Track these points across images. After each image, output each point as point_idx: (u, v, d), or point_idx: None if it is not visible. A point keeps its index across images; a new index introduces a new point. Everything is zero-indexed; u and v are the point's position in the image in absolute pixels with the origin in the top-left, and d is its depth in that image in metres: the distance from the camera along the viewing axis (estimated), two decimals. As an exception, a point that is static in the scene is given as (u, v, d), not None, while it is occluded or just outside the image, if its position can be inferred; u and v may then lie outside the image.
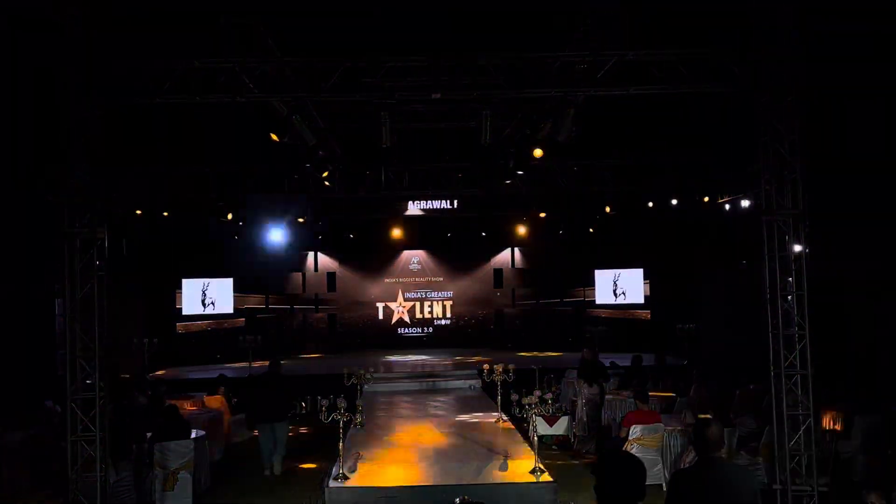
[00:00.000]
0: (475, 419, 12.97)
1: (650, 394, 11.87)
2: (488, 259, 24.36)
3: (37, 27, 9.92)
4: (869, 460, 9.59)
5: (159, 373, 18.68)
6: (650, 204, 18.20)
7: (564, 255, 23.52)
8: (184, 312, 20.74)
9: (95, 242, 8.66)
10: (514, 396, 10.06)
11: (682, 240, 19.79)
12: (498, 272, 24.47)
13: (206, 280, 21.10)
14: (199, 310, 21.05)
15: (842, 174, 12.88)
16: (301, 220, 18.61)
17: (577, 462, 11.56)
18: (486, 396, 15.29)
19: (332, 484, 8.80)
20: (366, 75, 9.44)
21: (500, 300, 24.17)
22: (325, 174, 13.82)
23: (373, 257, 23.91)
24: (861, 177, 13.12)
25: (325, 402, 9.17)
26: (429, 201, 18.71)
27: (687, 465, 9.08)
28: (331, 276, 24.11)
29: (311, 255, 23.92)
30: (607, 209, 18.60)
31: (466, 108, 11.96)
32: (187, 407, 12.69)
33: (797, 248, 8.82)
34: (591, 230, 19.31)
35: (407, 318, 24.30)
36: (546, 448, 11.41)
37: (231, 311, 21.69)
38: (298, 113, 10.39)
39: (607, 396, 12.85)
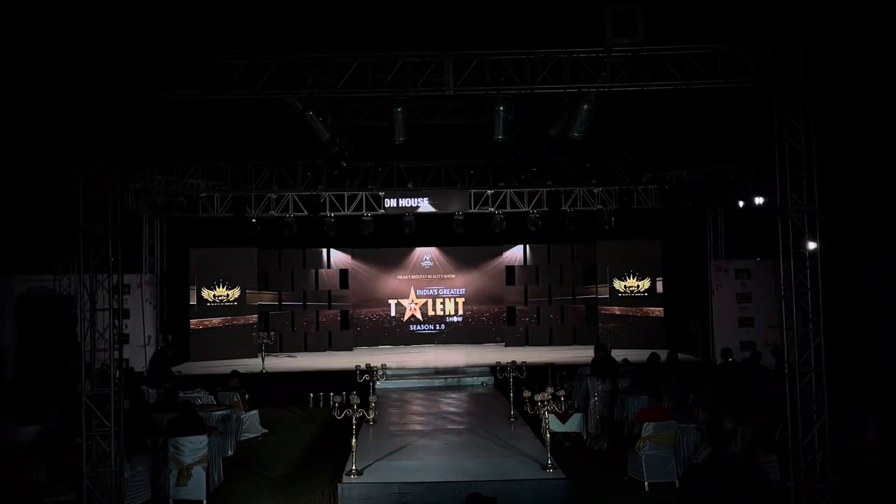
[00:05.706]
0: (488, 416, 12.97)
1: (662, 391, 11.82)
2: (500, 255, 24.31)
3: (49, 21, 9.96)
4: (883, 458, 9.52)
5: (173, 369, 18.75)
6: (664, 200, 18.13)
7: (577, 251, 23.49)
8: (197, 309, 20.80)
9: (109, 238, 8.71)
10: (527, 393, 10.05)
11: (696, 237, 19.73)
12: (510, 269, 24.39)
13: (220, 277, 21.16)
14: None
15: (857, 170, 12.81)
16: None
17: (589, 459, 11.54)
18: (499, 393, 15.30)
19: (344, 479, 8.84)
20: (379, 71, 9.45)
21: (513, 297, 24.10)
22: (338, 171, 13.82)
23: (385, 254, 23.89)
24: (876, 173, 13.05)
25: (337, 398, 9.19)
26: (441, 198, 18.75)
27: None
28: (343, 272, 24.10)
29: (324, 251, 23.94)
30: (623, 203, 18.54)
31: (479, 104, 11.95)
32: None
33: (812, 245, 8.76)
34: (604, 227, 19.22)
35: (419, 315, 24.26)
36: (558, 445, 11.38)
37: (245, 307, 21.74)
38: (312, 109, 10.40)
39: (620, 394, 12.81)
